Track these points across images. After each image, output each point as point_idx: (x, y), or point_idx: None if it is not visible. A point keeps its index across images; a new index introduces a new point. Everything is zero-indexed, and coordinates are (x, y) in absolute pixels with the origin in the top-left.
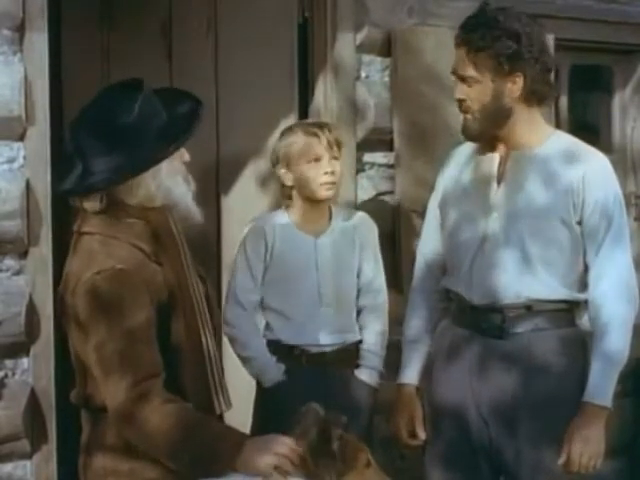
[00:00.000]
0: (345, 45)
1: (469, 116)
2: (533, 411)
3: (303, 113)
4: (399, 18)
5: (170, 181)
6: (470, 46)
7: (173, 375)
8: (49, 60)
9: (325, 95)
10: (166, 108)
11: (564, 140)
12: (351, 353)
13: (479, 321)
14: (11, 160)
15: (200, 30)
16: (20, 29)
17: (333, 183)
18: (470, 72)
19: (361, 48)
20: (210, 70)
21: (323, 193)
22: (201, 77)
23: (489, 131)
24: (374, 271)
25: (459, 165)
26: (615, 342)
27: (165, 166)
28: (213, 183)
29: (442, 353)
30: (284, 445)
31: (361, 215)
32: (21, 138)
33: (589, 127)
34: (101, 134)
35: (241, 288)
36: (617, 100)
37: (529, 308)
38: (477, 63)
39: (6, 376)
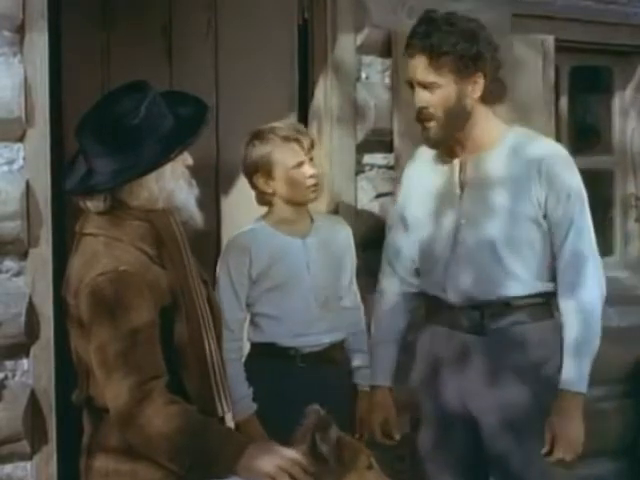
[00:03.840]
0: (345, 46)
1: (432, 124)
2: (517, 404)
3: (303, 114)
4: (399, 19)
5: (173, 184)
6: (431, 51)
7: (176, 377)
8: (49, 62)
9: (325, 96)
10: (171, 111)
11: (520, 137)
12: (338, 350)
13: (459, 318)
14: (11, 161)
15: (200, 32)
16: (20, 30)
17: (317, 185)
18: (432, 78)
19: (361, 49)
20: (210, 72)
21: (310, 196)
22: (201, 79)
23: (452, 135)
24: (352, 272)
25: (423, 168)
26: (584, 329)
27: (169, 169)
28: (213, 185)
29: (423, 352)
30: (286, 452)
31: (336, 217)
32: (21, 139)
33: (589, 129)
34: (107, 135)
35: (227, 309)
36: (617, 101)
37: (507, 305)
38: (439, 67)
39: (6, 377)
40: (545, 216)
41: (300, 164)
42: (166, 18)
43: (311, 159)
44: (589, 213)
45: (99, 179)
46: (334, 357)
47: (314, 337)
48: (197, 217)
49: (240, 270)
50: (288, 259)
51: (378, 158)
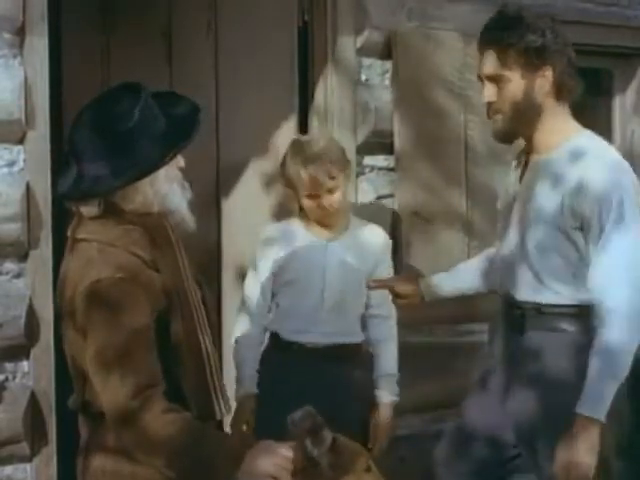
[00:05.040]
0: (345, 48)
1: (499, 116)
2: (546, 418)
3: (303, 117)
4: (399, 21)
5: (167, 188)
6: (499, 45)
7: (174, 381)
8: (49, 64)
9: (325, 98)
10: (164, 112)
11: (581, 140)
12: (347, 350)
13: (505, 314)
14: (11, 163)
15: (200, 33)
16: (20, 33)
17: (330, 214)
18: (500, 71)
19: (361, 51)
20: (210, 74)
21: (322, 221)
22: (201, 81)
23: (520, 130)
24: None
25: (511, 171)
26: (611, 355)
27: (163, 172)
28: (213, 187)
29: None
30: (284, 451)
31: (374, 226)
32: (21, 141)
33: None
34: (100, 138)
35: (248, 294)
36: (617, 103)
37: (538, 310)
38: (506, 61)
39: (6, 379)
40: (582, 228)
41: (311, 196)
42: (166, 20)
43: (331, 190)
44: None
45: (93, 183)
46: (343, 357)
47: (314, 336)
48: (189, 220)
49: (264, 260)
50: (306, 258)
51: (379, 160)
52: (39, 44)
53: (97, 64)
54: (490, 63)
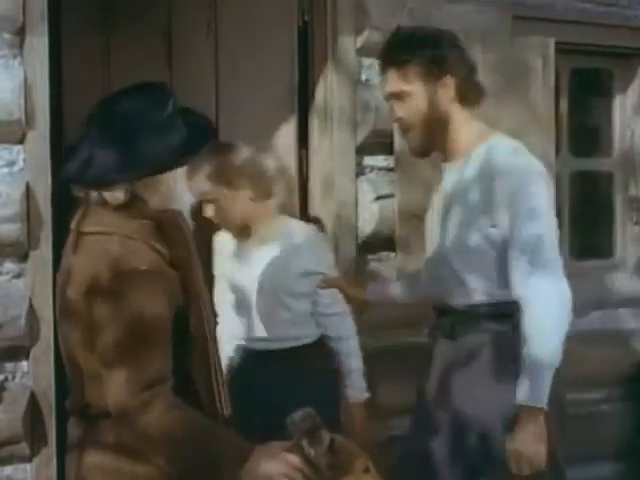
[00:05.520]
0: (345, 48)
1: (411, 134)
2: (482, 411)
3: (303, 117)
4: (399, 21)
5: (181, 187)
6: (397, 63)
7: (186, 379)
8: (49, 64)
9: (325, 98)
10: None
11: (492, 142)
12: (308, 353)
13: (438, 324)
14: (11, 163)
15: (200, 34)
16: (20, 33)
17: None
18: (402, 86)
19: (361, 51)
20: (210, 74)
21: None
22: (201, 81)
23: (434, 142)
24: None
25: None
26: (541, 343)
27: (180, 171)
28: None
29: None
30: (290, 458)
31: (305, 228)
32: (21, 141)
33: (589, 131)
34: (132, 125)
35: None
36: (617, 104)
37: (466, 313)
38: (407, 76)
39: (6, 379)
40: (496, 226)
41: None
42: (166, 19)
43: (209, 201)
44: (553, 227)
45: (120, 167)
46: (299, 359)
47: (257, 342)
48: (189, 224)
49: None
50: (221, 256)
51: (378, 160)
52: (39, 44)
53: (97, 64)
54: (392, 81)
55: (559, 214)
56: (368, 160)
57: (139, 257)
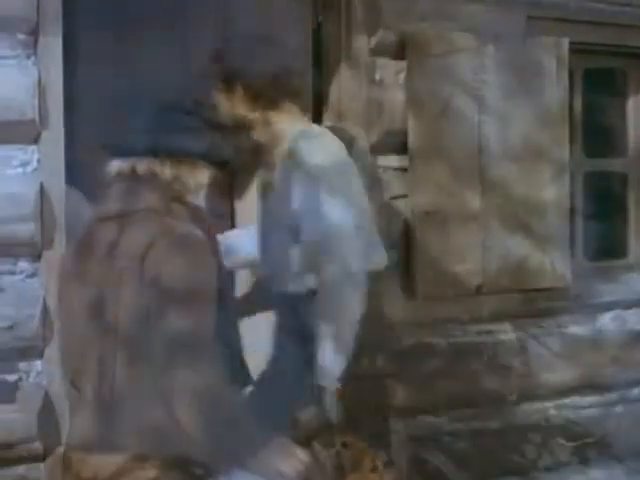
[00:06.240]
0: (359, 48)
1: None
2: None
3: (318, 116)
4: (413, 21)
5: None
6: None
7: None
8: (63, 64)
9: (339, 98)
10: None
11: (293, 139)
12: None
13: None
14: (25, 164)
15: None
16: (34, 33)
17: None
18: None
19: (375, 51)
20: None
21: None
22: None
23: (255, 148)
24: None
25: None
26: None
27: None
28: (226, 188)
29: None
30: (303, 456)
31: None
32: (35, 142)
33: (603, 131)
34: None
35: None
36: (631, 103)
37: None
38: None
39: (20, 379)
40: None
41: None
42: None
43: None
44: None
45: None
46: None
47: None
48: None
49: None
50: None
51: (392, 160)
52: (53, 44)
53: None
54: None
55: (573, 214)
56: (382, 160)
57: (196, 231)
